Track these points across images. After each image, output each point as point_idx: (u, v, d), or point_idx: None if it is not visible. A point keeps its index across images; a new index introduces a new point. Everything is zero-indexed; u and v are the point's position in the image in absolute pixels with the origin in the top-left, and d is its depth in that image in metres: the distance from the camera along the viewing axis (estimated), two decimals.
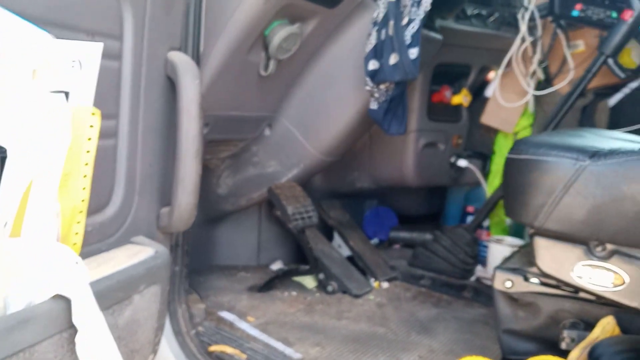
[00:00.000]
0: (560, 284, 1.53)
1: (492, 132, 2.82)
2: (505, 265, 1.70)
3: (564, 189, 1.40)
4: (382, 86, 1.84)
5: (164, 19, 1.39)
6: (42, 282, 0.87)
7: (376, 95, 1.87)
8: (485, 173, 2.82)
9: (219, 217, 2.43)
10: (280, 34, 1.76)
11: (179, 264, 1.72)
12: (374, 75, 1.81)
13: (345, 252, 2.54)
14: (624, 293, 1.42)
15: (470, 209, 2.92)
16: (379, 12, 1.79)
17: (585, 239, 1.44)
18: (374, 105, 1.89)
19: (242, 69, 1.82)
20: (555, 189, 1.40)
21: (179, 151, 1.37)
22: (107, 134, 1.24)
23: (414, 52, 1.73)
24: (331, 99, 2.07)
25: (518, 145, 1.53)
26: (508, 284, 1.63)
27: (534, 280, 1.60)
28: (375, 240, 2.94)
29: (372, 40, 1.82)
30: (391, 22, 1.73)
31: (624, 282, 1.42)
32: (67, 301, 0.90)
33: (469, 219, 2.89)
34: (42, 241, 0.95)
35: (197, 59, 1.65)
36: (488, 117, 2.75)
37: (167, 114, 1.41)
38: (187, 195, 1.38)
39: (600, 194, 1.37)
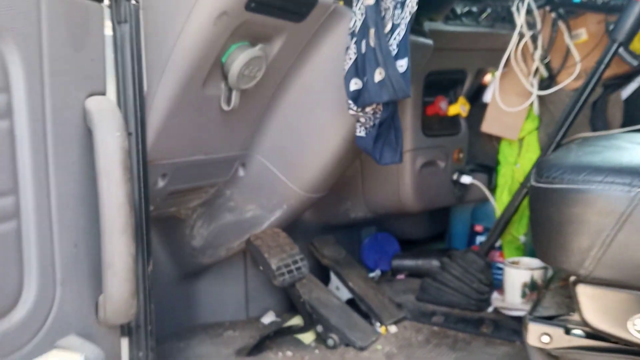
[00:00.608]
0: (613, 338, 1.22)
1: (495, 140, 2.54)
2: (538, 313, 1.39)
3: (617, 226, 1.09)
4: (368, 109, 1.53)
5: (74, 58, 1.09)
6: None
7: (362, 120, 1.57)
8: (492, 187, 2.53)
9: (198, 271, 2.12)
10: (239, 59, 1.46)
11: (142, 349, 1.40)
12: (357, 97, 1.51)
13: (345, 294, 2.23)
14: None
15: (478, 228, 2.61)
16: (356, 19, 1.49)
17: None
18: (361, 132, 1.59)
19: (199, 105, 1.52)
20: (605, 226, 1.10)
21: (102, 227, 1.08)
22: (3, 216, 0.94)
23: (402, 65, 1.43)
24: (311, 128, 1.77)
25: (546, 170, 1.23)
26: (545, 338, 1.32)
27: (578, 332, 1.29)
28: (376, 272, 2.64)
29: (351, 55, 1.52)
30: (372, 31, 1.43)
31: None
32: None
33: (478, 239, 2.59)
34: None
35: (139, 100, 1.35)
36: (489, 125, 2.46)
37: (94, 178, 1.11)
38: (118, 282, 1.10)
39: None
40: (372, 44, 1.44)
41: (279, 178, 1.84)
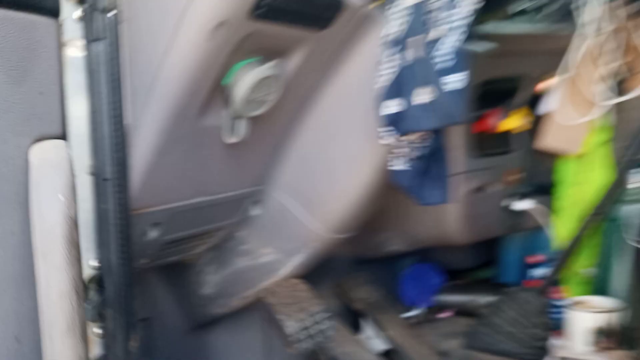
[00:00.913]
0: None
1: (552, 157, 2.18)
2: None
3: None
4: (408, 138, 1.20)
5: (12, 94, 0.79)
6: None
7: (399, 151, 1.23)
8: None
9: (208, 322, 1.81)
10: (245, 81, 1.14)
11: None
12: (395, 122, 1.17)
13: (379, 344, 1.91)
14: None
15: (533, 259, 2.26)
16: (393, 26, 1.16)
17: None
18: (397, 165, 1.26)
19: (196, 139, 1.21)
20: None
21: (41, 324, 0.82)
22: None
23: (457, 81, 1.10)
24: (337, 158, 1.44)
25: None
26: None
27: None
28: (417, 311, 2.29)
29: (386, 70, 1.19)
30: (415, 39, 1.09)
31: None
32: None
33: (532, 272, 2.24)
34: None
35: (119, 136, 1.04)
36: (547, 139, 2.10)
37: None
38: None
39: None
40: (415, 55, 1.11)
41: (299, 217, 1.52)
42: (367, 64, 1.31)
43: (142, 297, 1.45)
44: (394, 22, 1.16)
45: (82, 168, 1.08)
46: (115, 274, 1.08)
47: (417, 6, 1.11)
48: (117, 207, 1.07)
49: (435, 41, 1.12)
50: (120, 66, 1.05)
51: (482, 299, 2.22)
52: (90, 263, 1.11)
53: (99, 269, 1.11)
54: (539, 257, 2.26)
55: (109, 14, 1.04)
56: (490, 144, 1.99)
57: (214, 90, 1.15)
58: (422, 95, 1.12)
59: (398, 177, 1.27)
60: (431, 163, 1.26)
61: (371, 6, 1.27)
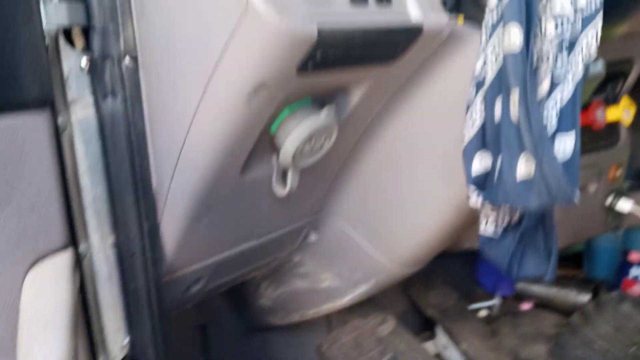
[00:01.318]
0: None
1: None
2: None
3: None
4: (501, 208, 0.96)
5: None
6: None
7: (490, 213, 0.99)
8: None
9: (269, 328, 1.69)
10: (295, 134, 0.93)
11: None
12: (484, 187, 0.93)
13: (455, 355, 1.74)
14: None
15: (634, 256, 1.98)
16: (486, 64, 0.89)
17: None
18: (487, 230, 1.02)
19: (238, 195, 1.01)
20: None
21: None
22: None
23: (566, 145, 0.84)
24: (408, 190, 1.22)
25: None
26: None
27: None
28: (495, 300, 2.10)
29: (476, 118, 0.93)
30: (514, 92, 0.83)
31: None
32: None
33: (633, 272, 1.98)
34: None
35: (145, 202, 0.88)
36: None
37: None
38: None
39: None
40: (514, 112, 0.85)
41: (363, 247, 1.32)
42: (451, 85, 1.06)
43: (199, 303, 1.33)
44: (488, 61, 0.89)
45: (103, 240, 0.92)
46: (150, 355, 0.94)
47: (523, 53, 0.83)
48: (149, 283, 0.92)
49: (542, 99, 0.85)
50: (137, 124, 0.86)
51: (571, 295, 2.00)
52: (121, 343, 0.98)
53: (131, 350, 0.97)
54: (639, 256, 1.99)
55: (124, 62, 0.83)
56: (593, 137, 1.68)
57: (258, 143, 0.94)
58: (520, 165, 0.87)
59: (486, 246, 1.04)
60: (531, 233, 1.02)
61: (459, 22, 1.00)
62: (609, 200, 1.81)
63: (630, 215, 1.86)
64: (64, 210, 0.83)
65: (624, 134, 1.77)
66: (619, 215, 1.83)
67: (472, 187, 0.97)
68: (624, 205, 1.80)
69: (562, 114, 0.85)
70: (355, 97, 1.00)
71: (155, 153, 0.91)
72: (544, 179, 0.85)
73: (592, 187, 1.74)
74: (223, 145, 0.87)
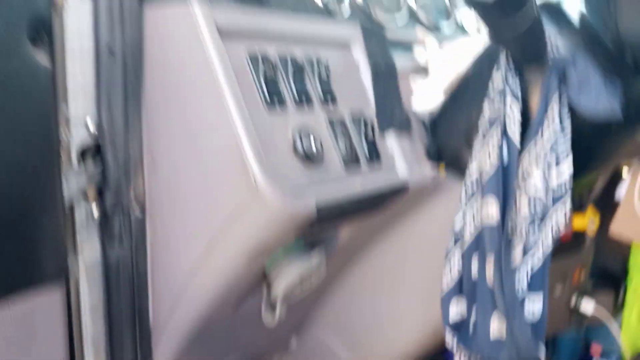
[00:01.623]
0: None
1: (622, 245, 1.96)
2: None
3: None
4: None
5: None
6: None
7: (462, 355, 1.07)
8: (619, 304, 1.97)
9: None
10: (288, 276, 1.00)
11: None
12: (459, 333, 1.01)
13: None
14: None
15: (596, 348, 2.08)
16: (465, 224, 0.97)
17: None
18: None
19: (228, 326, 1.06)
20: None
21: None
22: None
23: (534, 307, 0.92)
24: (387, 313, 1.29)
25: None
26: None
27: None
28: None
29: (455, 269, 1.01)
30: (489, 259, 0.91)
31: None
32: None
33: None
34: None
35: (144, 340, 0.93)
36: (620, 227, 1.88)
37: None
38: None
39: None
40: (489, 276, 0.93)
41: (341, 357, 1.38)
42: (433, 230, 1.14)
43: None
44: (467, 223, 0.97)
45: None
46: None
47: (499, 226, 0.91)
48: None
49: (515, 267, 0.93)
50: (142, 275, 0.92)
51: None
52: None
53: None
54: (602, 348, 2.09)
55: (133, 212, 0.89)
56: (558, 246, 1.78)
57: (254, 283, 1.00)
58: (493, 323, 0.95)
59: None
60: None
61: (441, 174, 1.09)
62: (573, 300, 1.90)
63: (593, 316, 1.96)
64: (67, 345, 0.88)
65: (588, 239, 1.87)
66: (583, 315, 1.92)
67: (449, 329, 1.04)
68: (587, 306, 1.90)
69: (533, 277, 0.94)
70: (344, 237, 1.08)
71: (154, 293, 0.96)
72: (514, 342, 0.93)
73: (558, 290, 1.83)
74: (222, 293, 0.93)
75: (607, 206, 1.87)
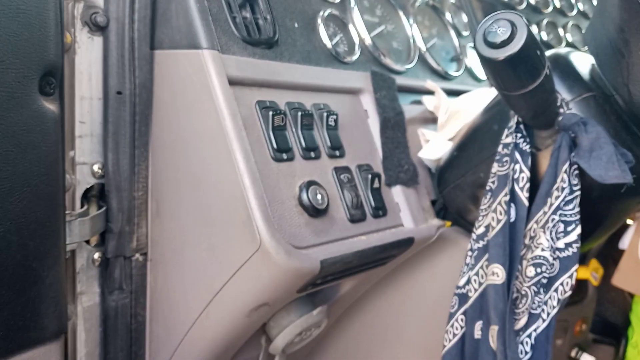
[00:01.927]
0: None
1: (628, 295, 1.95)
2: None
3: None
4: None
5: None
6: None
7: None
8: (620, 357, 1.94)
9: None
10: (288, 331, 0.97)
11: None
12: None
13: None
14: None
15: None
16: (470, 286, 0.96)
17: None
18: None
19: None
20: None
21: None
22: None
23: None
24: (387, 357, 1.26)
25: None
26: None
27: None
28: None
29: (458, 329, 0.99)
30: (493, 328, 0.89)
31: None
32: None
33: None
34: None
35: None
36: (623, 279, 1.86)
37: None
38: None
39: None
40: (492, 341, 0.91)
41: None
42: (435, 284, 1.12)
43: None
44: (472, 285, 0.95)
45: None
46: None
47: (502, 287, 0.90)
48: None
49: (519, 330, 0.92)
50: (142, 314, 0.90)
51: None
52: None
53: None
54: None
55: (135, 258, 0.88)
56: None
57: (253, 337, 0.98)
58: None
59: None
60: None
61: (447, 225, 1.07)
62: (574, 353, 1.88)
63: None
64: None
65: (591, 290, 1.86)
66: None
67: None
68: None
69: (537, 342, 0.92)
70: (345, 288, 1.06)
71: (151, 341, 0.94)
72: None
73: (559, 341, 1.81)
74: (220, 346, 0.92)
75: (610, 254, 1.86)
